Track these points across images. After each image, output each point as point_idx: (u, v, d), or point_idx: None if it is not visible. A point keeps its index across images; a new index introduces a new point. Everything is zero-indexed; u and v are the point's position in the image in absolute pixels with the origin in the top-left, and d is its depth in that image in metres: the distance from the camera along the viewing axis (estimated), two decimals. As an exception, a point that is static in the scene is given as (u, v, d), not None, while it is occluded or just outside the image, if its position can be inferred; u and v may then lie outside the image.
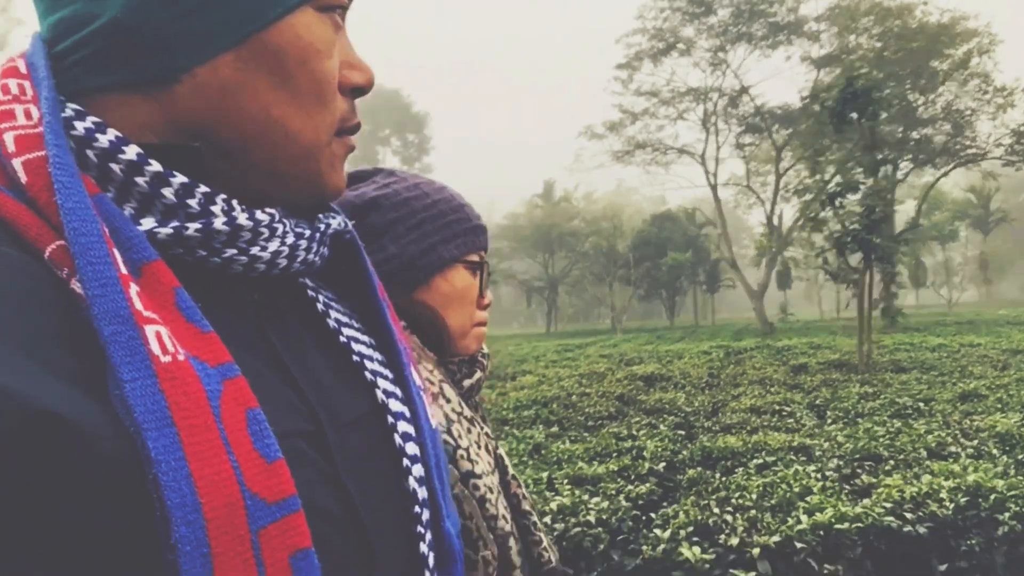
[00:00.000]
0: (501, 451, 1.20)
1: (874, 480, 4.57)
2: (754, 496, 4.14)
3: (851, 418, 7.72)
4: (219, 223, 0.57)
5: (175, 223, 0.56)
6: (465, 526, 0.99)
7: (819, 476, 4.67)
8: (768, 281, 37.21)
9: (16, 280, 0.48)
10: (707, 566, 3.57)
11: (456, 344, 1.22)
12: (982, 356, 13.89)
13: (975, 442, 5.74)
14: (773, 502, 4.14)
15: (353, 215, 1.15)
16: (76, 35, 0.56)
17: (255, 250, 0.60)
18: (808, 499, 4.09)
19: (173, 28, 0.55)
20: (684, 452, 5.76)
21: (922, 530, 3.98)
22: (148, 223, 0.55)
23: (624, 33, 40.36)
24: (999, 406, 7.72)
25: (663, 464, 5.13)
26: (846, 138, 13.99)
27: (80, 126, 0.55)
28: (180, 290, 0.52)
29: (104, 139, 0.54)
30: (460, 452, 1.05)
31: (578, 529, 3.84)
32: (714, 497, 4.26)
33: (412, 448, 0.68)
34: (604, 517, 3.97)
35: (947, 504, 4.06)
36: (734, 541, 3.65)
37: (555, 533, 3.78)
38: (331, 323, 0.70)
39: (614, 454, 5.53)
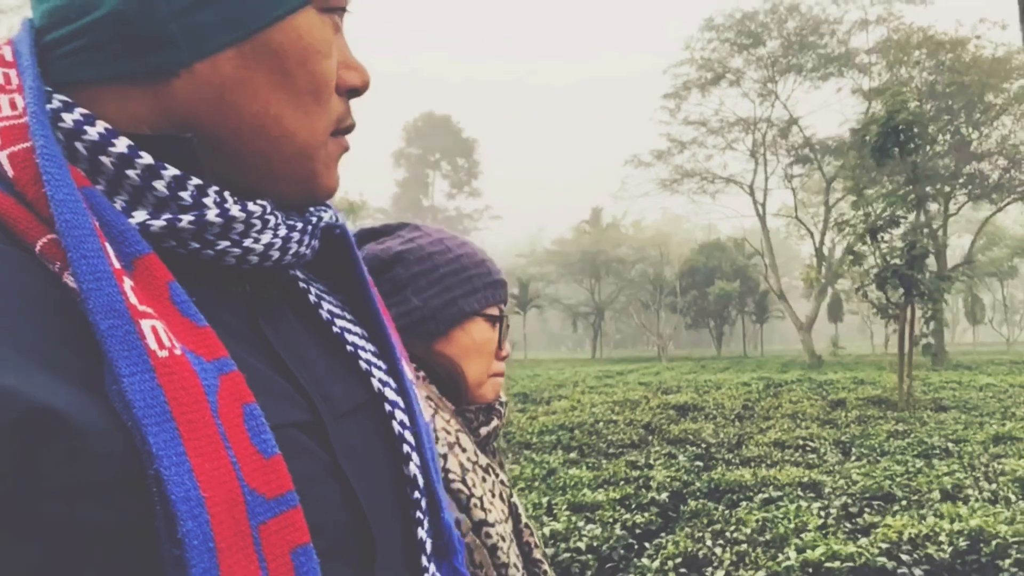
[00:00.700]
0: (516, 499, 1.21)
1: (876, 520, 4.52)
2: (748, 530, 4.14)
3: (875, 456, 7.60)
4: (212, 215, 0.56)
5: (168, 215, 0.55)
6: (475, 575, 1.02)
7: (822, 513, 4.63)
8: (816, 314, 36.62)
9: (8, 275, 0.47)
10: (692, 598, 3.59)
11: (473, 393, 1.25)
12: (1030, 398, 13.50)
13: (994, 486, 5.62)
14: (767, 537, 4.13)
15: (379, 268, 1.21)
16: (72, 25, 0.55)
17: (248, 242, 0.59)
18: (803, 536, 4.08)
19: (175, 23, 0.55)
20: (696, 483, 5.75)
21: (918, 572, 3.94)
22: (140, 216, 0.54)
23: (671, 64, 40.41)
24: (1028, 449, 7.52)
25: (666, 494, 5.13)
26: (889, 172, 13.80)
27: (68, 118, 0.54)
28: (174, 284, 0.52)
29: (93, 131, 0.54)
30: (474, 501, 1.06)
31: (568, 554, 3.89)
32: (710, 530, 4.26)
33: (409, 437, 0.69)
34: (596, 544, 4.00)
35: (945, 547, 4.01)
36: (720, 575, 3.67)
37: (543, 559, 3.84)
38: (324, 314, 0.70)
39: (621, 482, 5.54)
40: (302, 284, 0.70)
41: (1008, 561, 3.97)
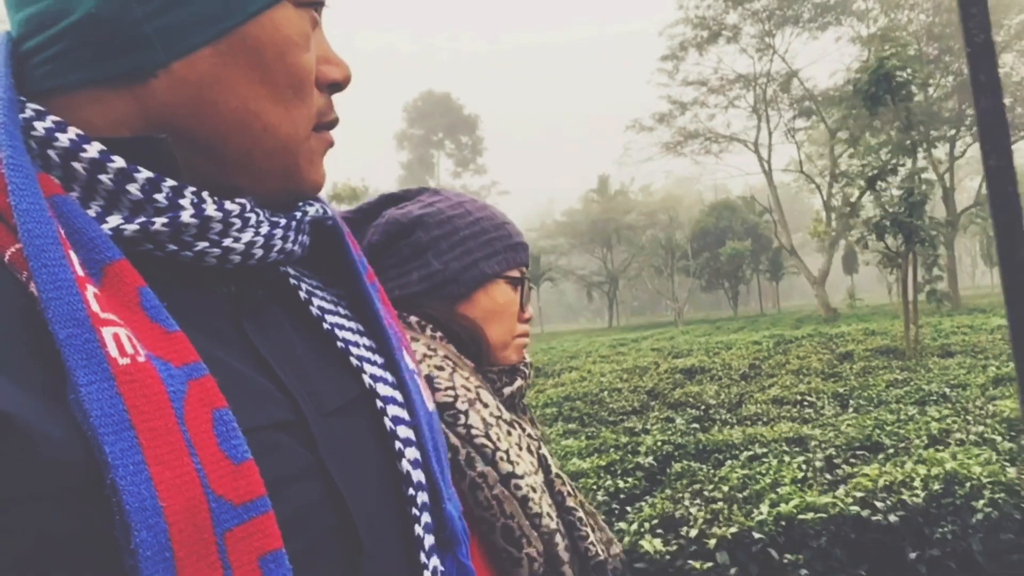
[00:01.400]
0: (544, 451, 1.22)
1: (855, 470, 4.58)
2: (725, 488, 4.22)
3: (871, 407, 7.64)
4: (187, 216, 0.56)
5: (141, 219, 0.55)
6: (507, 525, 1.04)
7: (803, 467, 4.70)
8: (829, 267, 36.44)
9: None
10: (668, 557, 3.67)
11: (497, 355, 1.26)
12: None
13: (981, 428, 5.66)
14: (745, 494, 4.21)
15: (400, 233, 1.22)
16: (49, 31, 0.55)
17: (228, 241, 0.59)
18: (779, 491, 4.14)
19: (151, 23, 0.55)
20: (687, 445, 5.82)
21: (893, 519, 4.00)
22: (114, 220, 0.54)
23: (667, 24, 40.01)
24: (1027, 389, 7.53)
25: (652, 458, 5.21)
26: (886, 119, 13.69)
27: (40, 126, 0.54)
28: (145, 289, 0.51)
29: (64, 138, 0.54)
30: (500, 454, 1.07)
31: (547, 525, 3.98)
32: (689, 490, 4.34)
33: (405, 431, 0.68)
34: (576, 512, 4.09)
35: (919, 492, 4.07)
36: (694, 533, 3.74)
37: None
38: (314, 310, 0.69)
39: (610, 449, 5.63)
40: (292, 281, 0.70)
41: (982, 502, 4.02)
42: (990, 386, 8.21)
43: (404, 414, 0.69)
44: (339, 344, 0.69)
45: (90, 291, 0.48)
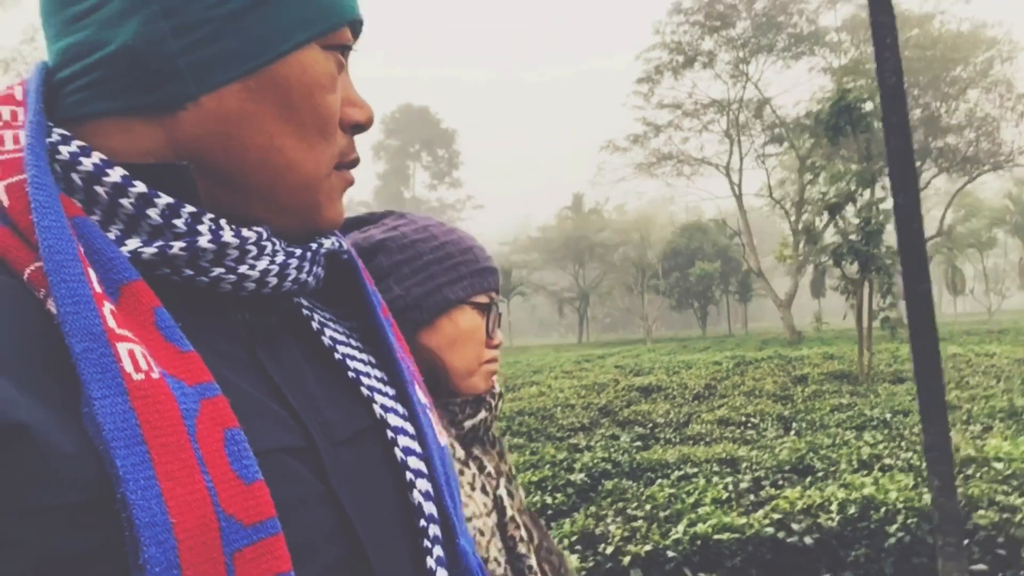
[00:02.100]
0: (502, 491, 1.18)
1: (775, 492, 4.67)
2: (648, 507, 4.28)
3: (814, 430, 7.76)
4: (204, 241, 0.57)
5: (160, 242, 0.56)
6: None
7: (728, 488, 4.78)
8: (795, 291, 36.87)
9: None
10: (583, 574, 3.73)
11: (461, 384, 1.22)
12: (990, 366, 13.73)
13: (910, 455, 5.78)
14: (666, 513, 4.27)
15: (361, 257, 1.21)
16: (84, 60, 0.57)
17: (243, 268, 0.59)
18: (698, 511, 4.21)
19: (183, 58, 0.56)
20: (622, 463, 5.89)
21: (808, 541, 4.08)
22: (133, 244, 0.55)
23: (643, 48, 40.47)
24: (964, 418, 7.70)
25: (583, 475, 5.26)
26: (848, 150, 13.97)
27: (65, 150, 0.55)
28: (160, 310, 0.52)
29: (88, 162, 0.55)
30: None
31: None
32: (613, 508, 4.40)
33: (416, 463, 0.68)
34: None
35: (834, 516, 4.16)
36: (610, 550, 3.80)
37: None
38: (326, 341, 0.70)
39: (546, 465, 5.68)
40: (305, 312, 0.70)
41: (895, 526, 4.12)
42: (931, 414, 8.37)
43: (415, 446, 0.69)
44: (350, 375, 0.69)
45: (107, 307, 0.49)
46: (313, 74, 0.61)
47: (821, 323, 45.63)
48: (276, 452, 0.55)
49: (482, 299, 1.24)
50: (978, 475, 5.07)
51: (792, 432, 7.82)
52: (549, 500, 4.65)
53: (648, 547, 3.74)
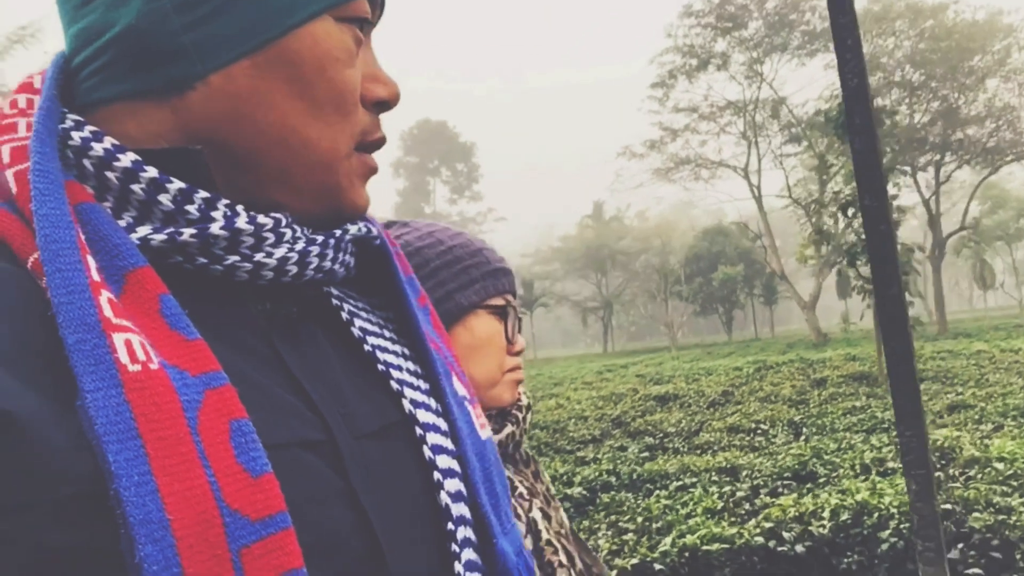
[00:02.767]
0: (535, 514, 1.10)
1: (770, 500, 4.64)
2: (639, 520, 4.28)
3: (824, 434, 7.69)
4: (216, 227, 0.55)
5: (170, 229, 0.54)
6: None
7: (723, 497, 4.76)
8: (819, 292, 36.45)
9: None
10: (571, 589, 3.74)
11: (483, 396, 1.14)
12: (1013, 362, 13.52)
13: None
14: (658, 525, 4.27)
15: None
16: (94, 44, 0.56)
17: (259, 256, 0.57)
18: (689, 522, 4.21)
19: (189, 34, 0.55)
20: (623, 475, 5.88)
21: (800, 549, 4.06)
22: (143, 230, 0.54)
23: (656, 52, 40.44)
24: (976, 417, 7.60)
25: (581, 488, 5.27)
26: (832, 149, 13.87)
27: (77, 136, 0.54)
28: (166, 296, 0.51)
29: (99, 147, 0.54)
30: None
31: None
32: (606, 521, 4.40)
33: (446, 462, 0.64)
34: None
35: (826, 523, 4.13)
36: (597, 564, 3.81)
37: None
38: (356, 332, 0.67)
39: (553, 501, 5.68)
40: (335, 301, 0.68)
41: (887, 532, 4.08)
42: (945, 413, 8.27)
43: (447, 443, 0.66)
44: (380, 367, 0.66)
45: (104, 296, 0.47)
46: (326, 48, 0.59)
47: (848, 324, 45.07)
48: (290, 446, 0.53)
49: (497, 302, 1.18)
50: (979, 476, 5.01)
51: (802, 437, 7.76)
52: (543, 515, 4.67)
53: (635, 560, 3.74)
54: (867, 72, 3.52)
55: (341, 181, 0.62)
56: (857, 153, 3.53)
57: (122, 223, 0.54)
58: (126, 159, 0.54)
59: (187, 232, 0.54)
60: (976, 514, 4.18)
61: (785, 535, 4.08)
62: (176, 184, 0.55)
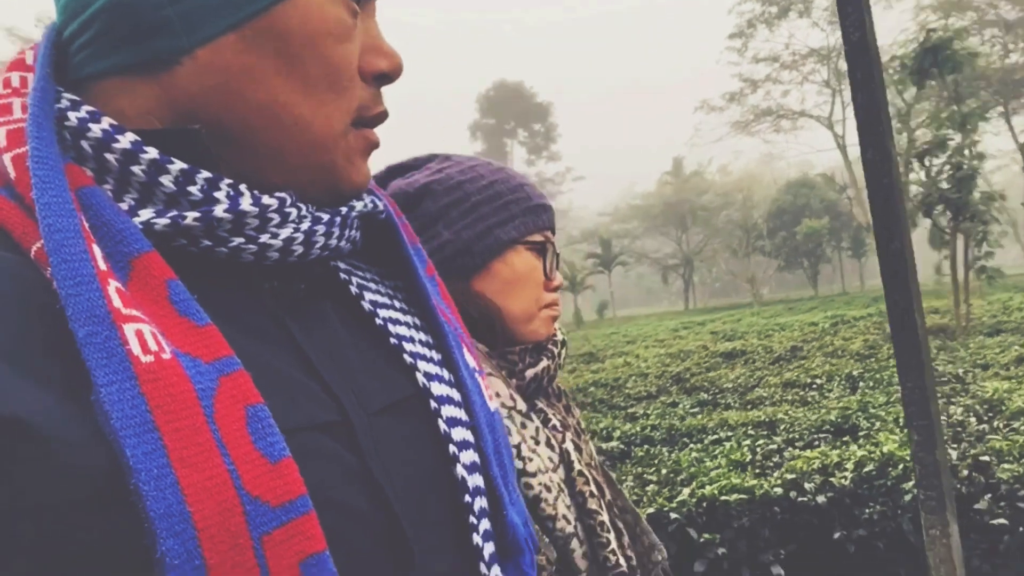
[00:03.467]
0: (568, 445, 1.12)
1: (799, 453, 4.69)
2: (663, 472, 4.40)
3: (881, 388, 7.60)
4: (220, 210, 0.53)
5: (173, 212, 0.53)
6: None
7: (756, 450, 4.83)
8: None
9: None
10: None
11: (521, 330, 1.17)
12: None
13: (960, 410, 5.64)
14: (681, 477, 4.38)
15: (407, 204, 1.14)
16: (81, 16, 0.55)
17: (265, 237, 0.56)
18: (712, 473, 4.30)
19: (173, 6, 0.53)
20: (660, 429, 5.99)
21: (821, 500, 4.11)
22: (146, 214, 0.52)
23: (735, 1, 39.19)
24: (1042, 368, 7.37)
25: (616, 444, 5.40)
26: (922, 96, 13.32)
27: (74, 116, 0.53)
28: (174, 282, 0.50)
29: (97, 128, 0.52)
30: None
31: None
32: (633, 472, 4.54)
33: (460, 434, 0.64)
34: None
35: (847, 475, 4.16)
36: (616, 513, 3.96)
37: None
38: (366, 305, 0.66)
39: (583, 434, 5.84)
40: (343, 276, 0.67)
41: (911, 483, 4.10)
42: (1012, 365, 8.03)
43: (461, 414, 0.66)
44: (392, 341, 0.66)
45: (112, 286, 0.46)
46: (317, 20, 0.57)
47: (941, 275, 43.24)
48: (306, 430, 0.53)
49: (537, 238, 1.19)
50: (1022, 427, 4.93)
51: (857, 391, 7.68)
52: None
53: (651, 509, 3.87)
54: (872, 24, 3.47)
55: (337, 160, 0.60)
56: (859, 107, 3.50)
57: (123, 206, 0.53)
58: (125, 140, 0.53)
59: (191, 216, 0.53)
60: (1005, 465, 4.14)
61: (807, 486, 4.14)
62: (177, 165, 0.53)
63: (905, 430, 5.18)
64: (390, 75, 0.63)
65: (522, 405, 1.08)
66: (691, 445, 5.34)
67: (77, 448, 0.42)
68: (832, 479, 4.13)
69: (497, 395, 1.04)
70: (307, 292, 0.62)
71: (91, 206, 0.50)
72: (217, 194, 0.54)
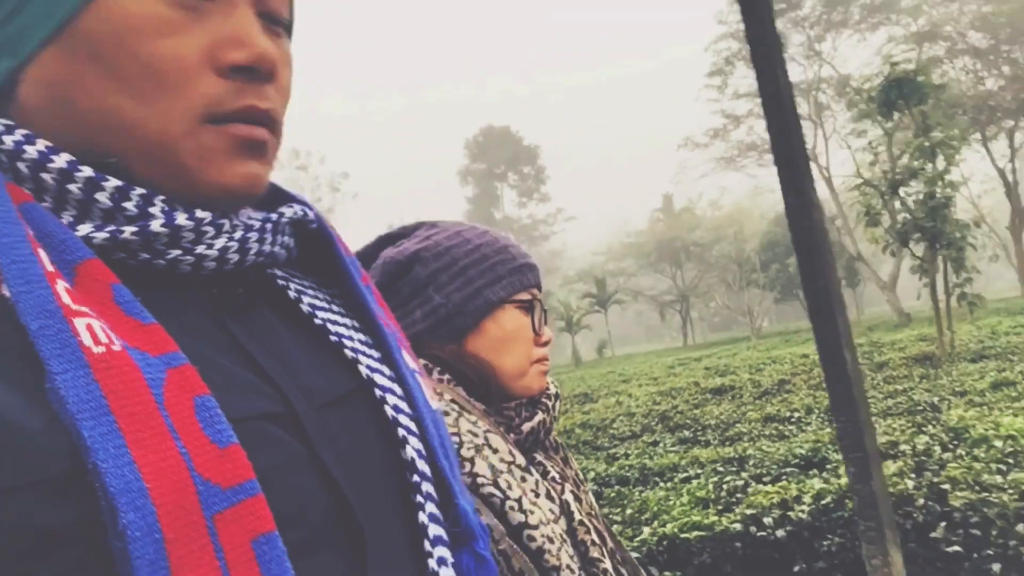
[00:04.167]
0: (568, 496, 1.16)
1: (757, 488, 4.78)
2: (628, 512, 4.49)
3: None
4: (157, 225, 0.55)
5: (111, 227, 0.54)
6: None
7: (717, 487, 4.92)
8: (898, 272, 35.37)
9: None
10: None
11: (514, 386, 1.21)
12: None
13: (926, 440, 5.73)
14: (645, 516, 4.47)
15: (398, 272, 1.20)
16: None
17: (201, 249, 0.57)
18: (674, 511, 4.39)
19: (1, 31, 0.55)
20: (634, 468, 6.06)
21: (780, 534, 4.19)
22: (85, 229, 0.54)
23: (711, 39, 40.01)
24: (1014, 395, 7.47)
25: (591, 485, 5.48)
26: (901, 125, 13.62)
27: (9, 140, 0.54)
28: (118, 286, 0.51)
29: (32, 150, 0.54)
30: (510, 504, 1.02)
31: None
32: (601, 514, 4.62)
33: (406, 421, 0.66)
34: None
35: (806, 508, 4.25)
36: (578, 556, 4.04)
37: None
38: (304, 308, 0.68)
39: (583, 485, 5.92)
40: (280, 282, 0.69)
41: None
42: (987, 391, 8.13)
43: (404, 406, 0.67)
44: (332, 338, 0.67)
45: (60, 285, 0.48)
46: (123, 19, 0.55)
47: (923, 303, 43.27)
48: (253, 419, 0.54)
49: (524, 296, 1.24)
50: (982, 455, 5.02)
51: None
52: (544, 512, 4.91)
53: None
54: (787, 78, 3.66)
55: (187, 160, 0.57)
56: (779, 156, 3.66)
57: (63, 221, 0.54)
58: (60, 160, 0.54)
59: (128, 230, 0.54)
60: (958, 492, 4.23)
61: (766, 520, 4.23)
62: (112, 182, 0.55)
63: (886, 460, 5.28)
64: (256, 68, 0.59)
65: (521, 459, 1.10)
66: (660, 484, 5.42)
67: (38, 434, 0.44)
68: (791, 513, 4.22)
69: (495, 450, 1.07)
70: (247, 297, 0.63)
71: (33, 219, 0.52)
72: (152, 209, 0.56)
